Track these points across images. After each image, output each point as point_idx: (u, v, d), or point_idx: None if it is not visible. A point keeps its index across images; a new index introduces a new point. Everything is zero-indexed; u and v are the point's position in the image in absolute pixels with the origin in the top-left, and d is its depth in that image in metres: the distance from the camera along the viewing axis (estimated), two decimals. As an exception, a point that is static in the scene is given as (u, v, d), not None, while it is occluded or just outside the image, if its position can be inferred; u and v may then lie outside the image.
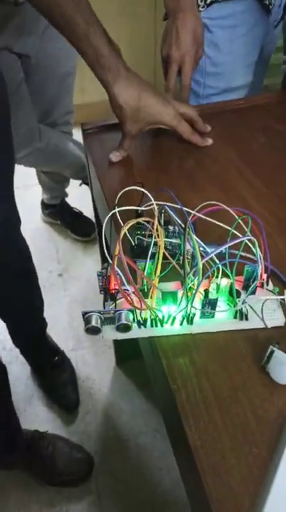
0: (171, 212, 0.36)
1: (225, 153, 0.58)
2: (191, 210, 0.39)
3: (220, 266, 0.33)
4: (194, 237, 0.32)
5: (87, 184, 1.58)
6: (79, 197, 1.67)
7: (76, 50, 0.51)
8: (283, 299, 0.36)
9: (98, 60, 0.50)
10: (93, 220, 1.62)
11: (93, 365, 1.22)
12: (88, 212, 1.65)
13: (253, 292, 0.37)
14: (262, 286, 0.38)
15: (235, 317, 0.36)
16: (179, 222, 0.36)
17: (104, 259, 0.90)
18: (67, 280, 1.47)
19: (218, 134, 0.61)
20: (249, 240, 0.33)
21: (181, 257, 0.37)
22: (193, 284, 0.34)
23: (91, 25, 0.49)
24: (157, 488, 0.97)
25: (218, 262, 0.32)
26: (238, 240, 0.33)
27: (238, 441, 0.30)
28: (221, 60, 0.76)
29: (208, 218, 0.38)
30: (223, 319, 0.36)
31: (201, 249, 0.34)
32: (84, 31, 0.48)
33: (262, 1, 0.73)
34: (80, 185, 1.61)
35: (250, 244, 0.33)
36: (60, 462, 0.96)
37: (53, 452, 0.96)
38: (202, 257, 0.32)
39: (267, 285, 0.38)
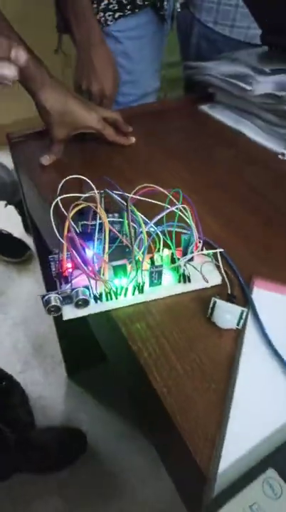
0: (113, 194, 0.39)
1: (149, 150, 0.64)
2: (128, 194, 0.43)
3: (158, 232, 0.37)
4: (135, 210, 0.36)
5: (11, 204, 1.56)
6: (6, 218, 1.64)
7: None
8: (217, 262, 0.42)
9: (23, 71, 0.52)
10: (23, 240, 1.60)
11: (44, 383, 1.20)
12: (17, 232, 1.63)
13: (191, 259, 0.42)
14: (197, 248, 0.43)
15: (179, 281, 0.41)
16: (121, 200, 0.39)
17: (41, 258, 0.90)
18: (5, 303, 1.43)
19: (140, 133, 0.66)
20: (183, 208, 0.38)
21: (125, 236, 0.41)
22: (140, 257, 0.38)
23: (12, 38, 0.51)
24: (124, 492, 0.98)
25: (156, 229, 0.37)
26: (173, 208, 0.37)
27: (198, 381, 0.34)
28: (134, 68, 0.83)
29: (145, 199, 0.42)
30: (169, 285, 0.40)
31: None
32: None
33: (159, 12, 0.82)
34: (6, 206, 1.58)
35: (182, 214, 0.38)
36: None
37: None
38: (145, 225, 0.36)
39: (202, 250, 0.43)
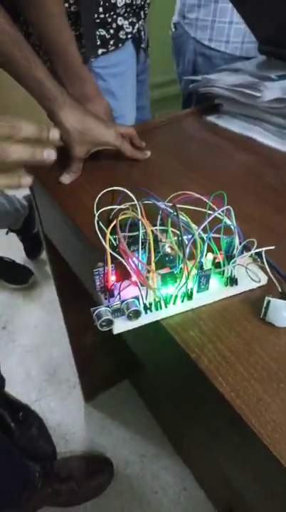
0: (153, 200, 0.39)
1: (166, 162, 0.64)
2: (165, 204, 0.43)
3: (204, 237, 0.37)
4: (181, 216, 0.36)
5: (13, 231, 1.55)
6: (7, 246, 1.63)
7: (21, 85, 0.53)
8: (261, 263, 0.41)
9: (43, 93, 0.53)
10: (26, 265, 1.59)
11: (61, 410, 1.16)
12: (19, 258, 1.61)
13: (235, 260, 0.41)
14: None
15: (226, 284, 0.40)
16: (166, 207, 0.39)
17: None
18: (13, 331, 1.40)
19: (154, 147, 0.67)
20: (227, 210, 0.38)
21: (167, 244, 0.40)
22: (186, 264, 0.37)
23: (31, 60, 0.52)
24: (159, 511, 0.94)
25: (206, 235, 0.36)
26: (219, 211, 0.37)
27: (266, 383, 0.33)
28: (117, 105, 0.80)
29: (184, 206, 0.42)
30: (216, 289, 0.40)
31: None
32: (25, 67, 0.51)
33: (140, 44, 0.81)
34: (7, 233, 1.57)
35: (224, 217, 0.38)
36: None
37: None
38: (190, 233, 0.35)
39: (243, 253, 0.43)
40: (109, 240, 0.39)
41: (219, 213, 0.39)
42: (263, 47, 0.77)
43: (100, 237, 0.37)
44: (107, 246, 0.38)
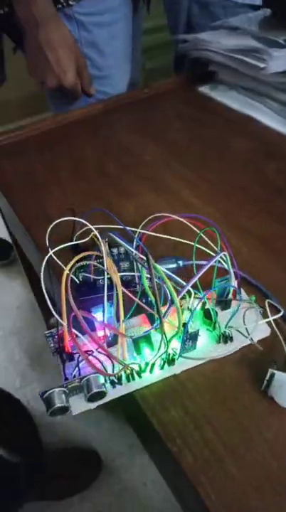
0: (121, 241, 0.29)
1: (144, 148, 0.53)
2: (135, 229, 0.33)
3: (190, 289, 0.28)
4: (160, 268, 0.26)
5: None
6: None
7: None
8: (262, 308, 0.32)
9: None
10: (7, 239, 1.48)
11: (47, 397, 1.12)
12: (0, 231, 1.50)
13: (228, 305, 0.33)
14: (234, 296, 0.33)
15: (218, 342, 0.32)
16: (132, 250, 0.30)
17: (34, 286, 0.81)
18: (-6, 312, 1.32)
19: (132, 126, 0.55)
20: (223, 255, 0.28)
21: (141, 291, 0.31)
22: (167, 321, 0.28)
23: None
24: (148, 505, 0.92)
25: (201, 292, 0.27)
26: (215, 259, 0.28)
27: (265, 491, 0.25)
28: (105, 63, 0.67)
29: (159, 235, 0.32)
30: (205, 347, 0.31)
31: (165, 275, 0.28)
32: None
33: None
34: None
35: (222, 261, 0.28)
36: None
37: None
38: (176, 291, 0.26)
39: (240, 293, 0.34)
40: (70, 278, 0.30)
41: (221, 258, 0.29)
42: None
43: (45, 292, 0.27)
44: (62, 299, 0.29)
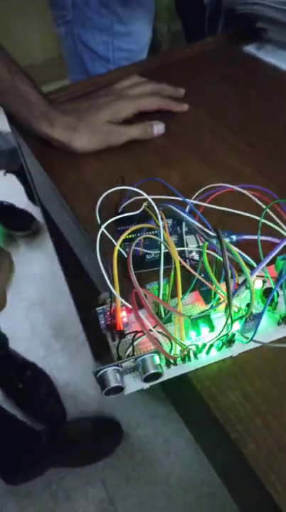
0: (184, 214, 0.27)
1: (191, 113, 0.49)
2: (193, 201, 0.30)
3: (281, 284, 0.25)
4: (233, 248, 0.23)
5: (13, 173, 1.41)
6: (6, 188, 1.49)
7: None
8: None
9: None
10: (28, 210, 1.47)
11: (70, 368, 1.13)
12: (20, 203, 1.49)
13: None
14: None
15: (278, 323, 0.29)
16: (195, 223, 0.27)
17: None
18: (17, 282, 1.33)
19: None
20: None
21: (199, 268, 0.29)
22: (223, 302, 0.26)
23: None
24: (170, 476, 0.94)
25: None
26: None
27: None
28: (131, 17, 0.62)
29: (215, 206, 0.30)
30: (264, 329, 0.29)
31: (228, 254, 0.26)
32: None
33: None
34: (5, 174, 1.43)
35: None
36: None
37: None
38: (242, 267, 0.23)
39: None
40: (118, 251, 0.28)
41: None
42: None
43: (102, 268, 0.25)
44: (115, 273, 0.27)
